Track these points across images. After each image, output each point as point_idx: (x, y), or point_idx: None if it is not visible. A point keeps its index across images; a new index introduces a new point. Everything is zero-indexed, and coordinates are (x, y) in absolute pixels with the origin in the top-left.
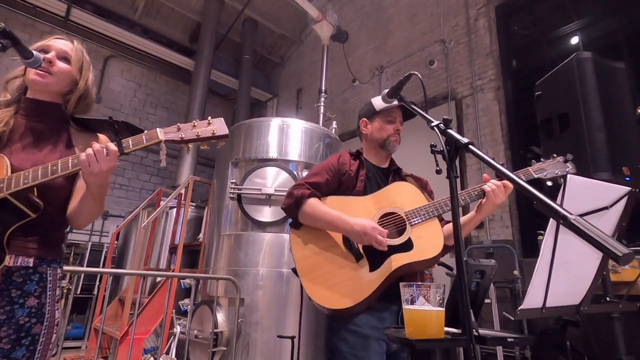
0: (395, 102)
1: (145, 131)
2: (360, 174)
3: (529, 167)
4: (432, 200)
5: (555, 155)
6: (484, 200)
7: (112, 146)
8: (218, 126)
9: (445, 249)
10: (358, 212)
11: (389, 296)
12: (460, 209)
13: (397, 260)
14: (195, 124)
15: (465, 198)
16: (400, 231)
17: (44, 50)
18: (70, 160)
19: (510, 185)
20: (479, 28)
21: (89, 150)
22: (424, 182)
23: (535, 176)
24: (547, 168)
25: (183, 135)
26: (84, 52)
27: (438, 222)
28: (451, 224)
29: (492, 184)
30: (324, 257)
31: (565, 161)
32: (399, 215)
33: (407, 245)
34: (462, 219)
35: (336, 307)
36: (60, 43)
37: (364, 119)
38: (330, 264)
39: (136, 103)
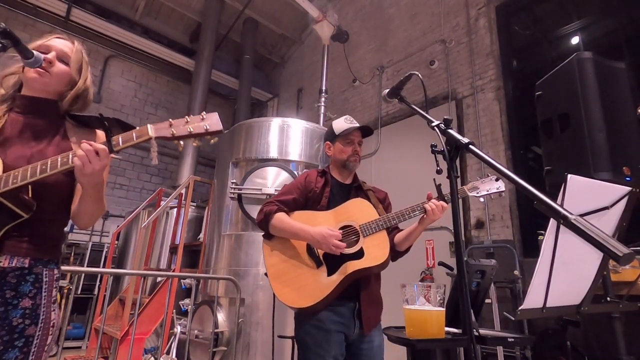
0: (353, 125)
1: (137, 127)
2: (325, 191)
3: (464, 186)
4: (387, 212)
5: (488, 174)
6: (424, 215)
7: (101, 145)
8: (212, 121)
9: (397, 254)
10: (320, 224)
11: (346, 294)
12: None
13: (351, 266)
14: (188, 119)
15: (409, 213)
16: (356, 240)
17: (45, 50)
18: (59, 159)
19: (446, 206)
20: (480, 28)
21: (79, 152)
22: (382, 194)
23: (470, 194)
24: (480, 186)
25: (175, 132)
26: (83, 52)
27: (386, 233)
28: (402, 232)
29: (432, 204)
30: (290, 264)
31: (497, 179)
32: (354, 227)
33: (359, 253)
34: (407, 230)
35: (299, 306)
36: (60, 43)
37: (328, 142)
38: (295, 269)
39: (136, 103)
